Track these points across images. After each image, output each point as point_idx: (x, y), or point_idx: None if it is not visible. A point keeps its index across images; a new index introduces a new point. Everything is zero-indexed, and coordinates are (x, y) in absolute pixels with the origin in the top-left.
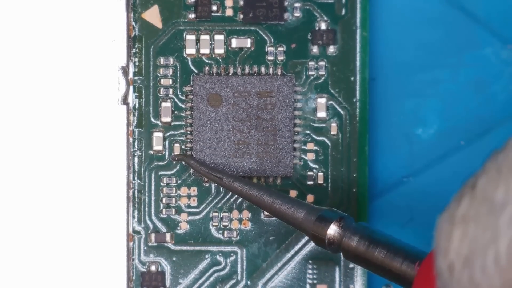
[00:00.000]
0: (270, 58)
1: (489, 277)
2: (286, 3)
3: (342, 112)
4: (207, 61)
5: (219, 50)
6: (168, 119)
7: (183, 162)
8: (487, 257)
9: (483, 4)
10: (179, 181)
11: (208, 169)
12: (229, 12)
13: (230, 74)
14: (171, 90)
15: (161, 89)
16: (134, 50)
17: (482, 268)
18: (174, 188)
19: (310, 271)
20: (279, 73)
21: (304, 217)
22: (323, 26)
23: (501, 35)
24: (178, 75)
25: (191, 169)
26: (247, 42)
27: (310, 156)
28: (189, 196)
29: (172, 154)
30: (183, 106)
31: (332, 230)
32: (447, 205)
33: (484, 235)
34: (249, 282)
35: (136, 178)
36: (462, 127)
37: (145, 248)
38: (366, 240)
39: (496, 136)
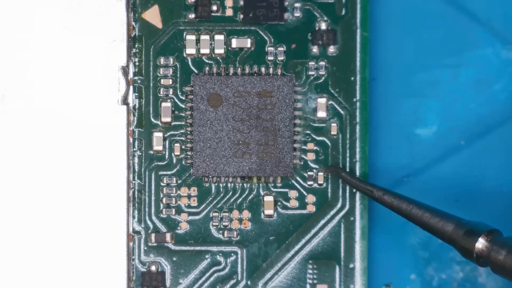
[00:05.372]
0: (270, 58)
1: None
2: (286, 3)
3: (342, 112)
4: (207, 61)
5: (219, 50)
6: (168, 119)
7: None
8: None
9: (483, 4)
10: (179, 181)
11: (358, 181)
12: (229, 12)
13: (230, 74)
14: (171, 90)
15: (161, 89)
16: (134, 50)
17: None
18: (174, 188)
19: (310, 271)
20: (279, 73)
21: (453, 231)
22: (323, 26)
23: (501, 35)
24: (178, 75)
25: (192, 169)
26: (247, 42)
27: (310, 156)
28: (189, 196)
29: (324, 168)
30: (183, 106)
31: (481, 243)
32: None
33: None
34: (249, 282)
35: (136, 178)
36: (462, 127)
37: (145, 248)
38: None
39: (496, 136)
